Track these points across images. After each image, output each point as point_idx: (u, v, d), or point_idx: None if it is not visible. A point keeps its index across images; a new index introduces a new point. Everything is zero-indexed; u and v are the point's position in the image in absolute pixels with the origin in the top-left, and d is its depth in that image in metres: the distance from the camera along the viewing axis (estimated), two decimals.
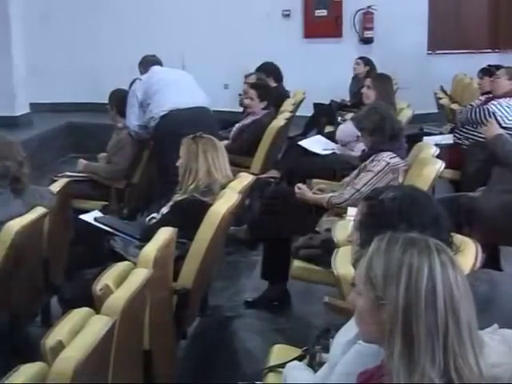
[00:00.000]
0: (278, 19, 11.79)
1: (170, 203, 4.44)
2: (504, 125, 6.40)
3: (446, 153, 5.62)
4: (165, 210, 4.44)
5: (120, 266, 3.05)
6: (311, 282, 4.49)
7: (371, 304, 1.83)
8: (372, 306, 1.82)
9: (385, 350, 1.80)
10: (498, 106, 6.43)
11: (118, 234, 4.29)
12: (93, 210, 4.94)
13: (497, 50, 12.14)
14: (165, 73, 6.55)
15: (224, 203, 4.03)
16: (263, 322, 4.87)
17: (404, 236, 1.86)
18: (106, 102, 6.61)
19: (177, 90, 6.31)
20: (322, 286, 4.23)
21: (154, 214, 4.54)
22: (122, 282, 2.87)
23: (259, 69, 8.85)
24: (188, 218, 4.03)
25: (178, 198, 4.42)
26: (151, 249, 3.31)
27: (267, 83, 8.03)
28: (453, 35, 12.13)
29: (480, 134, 6.46)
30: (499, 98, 6.60)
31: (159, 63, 6.80)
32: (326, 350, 2.61)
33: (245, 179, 4.65)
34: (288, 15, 11.85)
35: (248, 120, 7.17)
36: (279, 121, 7.10)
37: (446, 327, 1.73)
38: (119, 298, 2.70)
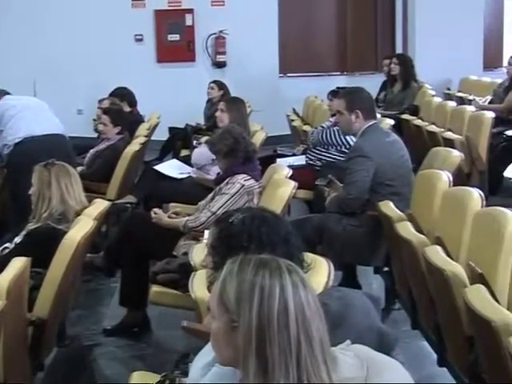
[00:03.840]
0: (131, 44, 11.76)
1: (24, 232, 4.34)
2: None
3: (299, 173, 5.73)
4: (18, 239, 4.34)
5: None
6: (170, 306, 4.48)
7: (225, 327, 1.84)
8: (226, 329, 1.84)
9: (241, 372, 1.83)
10: None
11: None
12: None
13: (345, 73, 12.55)
14: (17, 100, 6.40)
15: (79, 230, 3.98)
16: (123, 349, 4.82)
17: (256, 258, 1.89)
18: None
19: (31, 117, 6.17)
20: (182, 310, 4.23)
21: (7, 244, 4.42)
22: None
23: (112, 94, 8.79)
24: (42, 246, 3.95)
25: (31, 226, 4.33)
26: (4, 279, 3.22)
27: (121, 108, 7.98)
28: (303, 59, 12.45)
29: (331, 154, 6.64)
30: None
31: (8, 93, 6.63)
32: (185, 374, 2.61)
33: (100, 205, 4.61)
34: (141, 40, 11.84)
35: (102, 145, 7.10)
36: (134, 145, 7.07)
37: (298, 346, 1.77)
38: None
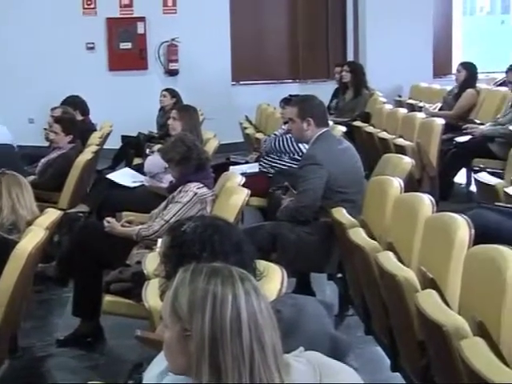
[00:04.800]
0: (82, 52, 11.68)
1: None
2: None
3: (252, 181, 5.74)
4: None
5: None
6: (123, 315, 4.46)
7: (178, 335, 1.84)
8: (179, 338, 1.84)
9: (194, 380, 1.83)
10: None
11: None
12: None
13: (297, 81, 12.61)
14: None
15: (30, 240, 3.94)
16: (76, 359, 4.78)
17: (208, 266, 1.89)
18: None
19: None
20: (135, 319, 4.21)
21: None
22: None
23: (65, 102, 8.73)
24: None
25: None
26: None
27: (73, 117, 7.92)
28: (256, 66, 12.49)
29: (284, 162, 6.67)
30: None
31: None
32: None
33: (52, 215, 4.57)
34: (92, 48, 11.78)
35: (54, 154, 7.04)
36: (86, 154, 7.02)
37: (251, 353, 1.78)
38: None
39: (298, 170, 5.37)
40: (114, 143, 9.52)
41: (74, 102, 8.78)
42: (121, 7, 11.83)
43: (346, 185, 5.03)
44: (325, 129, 5.22)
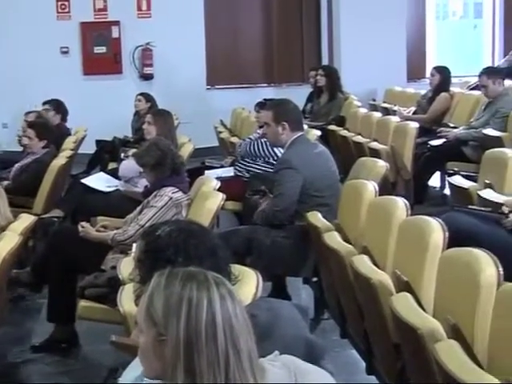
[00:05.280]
0: (57, 56, 11.63)
1: None
2: None
3: (227, 185, 5.74)
4: None
5: None
6: (99, 321, 4.44)
7: (153, 340, 1.84)
8: (154, 343, 1.84)
9: None
10: None
11: None
12: None
13: (272, 85, 12.64)
14: None
15: (4, 246, 3.92)
16: (51, 365, 4.76)
17: (183, 271, 1.89)
18: None
19: None
20: (111, 324, 4.20)
21: None
22: None
23: (49, 102, 8.74)
24: None
25: None
26: None
27: (46, 121, 7.89)
28: (230, 70, 12.50)
29: (259, 166, 6.68)
30: None
31: None
32: None
33: (26, 220, 4.55)
34: (66, 52, 11.73)
35: (28, 159, 7.01)
36: (60, 159, 6.99)
37: (226, 358, 1.78)
38: None
39: (273, 174, 5.38)
40: (89, 148, 9.49)
41: (58, 105, 8.79)
42: (95, 11, 11.80)
43: (321, 189, 5.05)
44: (300, 133, 5.23)
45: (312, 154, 5.17)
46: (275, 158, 6.71)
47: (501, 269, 2.91)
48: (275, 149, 6.70)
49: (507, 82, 8.67)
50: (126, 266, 3.61)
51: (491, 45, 13.50)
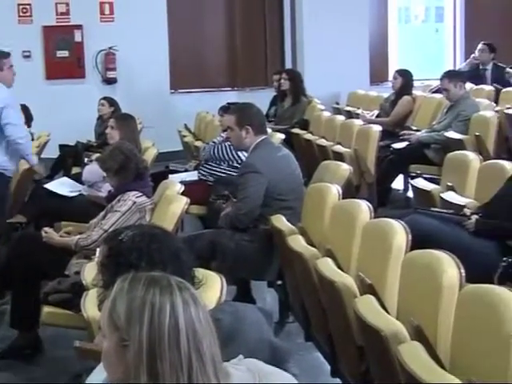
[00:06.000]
0: (18, 60, 11.53)
1: None
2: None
3: (191, 189, 5.74)
4: None
5: None
6: (63, 326, 4.42)
7: (115, 346, 1.84)
8: (116, 348, 1.84)
9: None
10: None
11: None
12: None
13: (236, 88, 12.65)
14: None
15: None
16: (14, 372, 4.71)
17: (146, 275, 1.89)
18: None
19: None
20: (75, 330, 4.18)
21: None
22: None
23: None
24: None
25: None
26: None
27: None
28: (194, 74, 12.49)
29: (223, 169, 6.68)
30: None
31: None
32: None
33: None
34: (28, 56, 11.63)
35: None
36: (23, 164, 6.93)
37: (189, 362, 1.78)
38: None
39: (237, 178, 5.39)
40: (52, 153, 9.43)
41: (23, 110, 8.72)
42: (57, 15, 11.72)
43: (285, 192, 5.06)
44: (263, 136, 5.25)
45: (276, 157, 5.19)
46: (239, 161, 6.72)
47: (463, 270, 2.94)
48: (239, 152, 6.71)
49: (468, 85, 8.77)
50: (90, 271, 3.60)
51: (452, 48, 13.64)
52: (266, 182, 4.99)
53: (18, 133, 6.30)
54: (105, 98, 9.70)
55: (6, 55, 6.63)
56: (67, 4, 11.69)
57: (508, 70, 10.47)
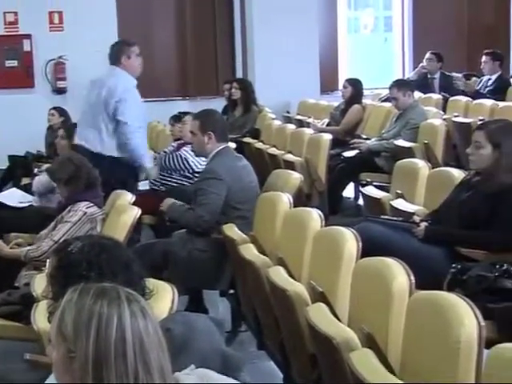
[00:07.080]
0: None
1: None
2: (197, 169, 6.67)
3: (143, 199, 5.71)
4: None
5: None
6: (13, 339, 4.36)
7: (63, 356, 1.84)
8: (64, 359, 1.83)
9: None
10: (190, 152, 6.63)
11: None
12: None
13: (187, 98, 12.63)
14: None
15: None
16: None
17: (96, 287, 1.88)
18: None
19: None
20: (25, 342, 4.13)
21: None
22: None
23: None
24: None
25: None
26: None
27: None
28: (144, 84, 12.37)
29: (175, 179, 6.67)
30: (190, 143, 6.85)
31: None
32: None
33: None
34: None
35: None
36: None
37: (136, 373, 1.79)
38: None
39: (197, 183, 5.39)
40: (1, 163, 9.32)
41: None
42: (5, 24, 11.59)
43: (242, 201, 5.08)
44: (225, 144, 5.27)
45: (236, 166, 5.22)
46: (190, 171, 6.73)
47: (412, 277, 2.98)
48: (190, 162, 6.72)
49: (417, 94, 8.88)
50: (40, 283, 3.57)
51: (401, 57, 13.76)
52: (227, 189, 5.01)
53: None
54: (55, 108, 9.64)
55: (132, 43, 6.57)
56: (16, 13, 11.57)
57: (455, 75, 10.63)
